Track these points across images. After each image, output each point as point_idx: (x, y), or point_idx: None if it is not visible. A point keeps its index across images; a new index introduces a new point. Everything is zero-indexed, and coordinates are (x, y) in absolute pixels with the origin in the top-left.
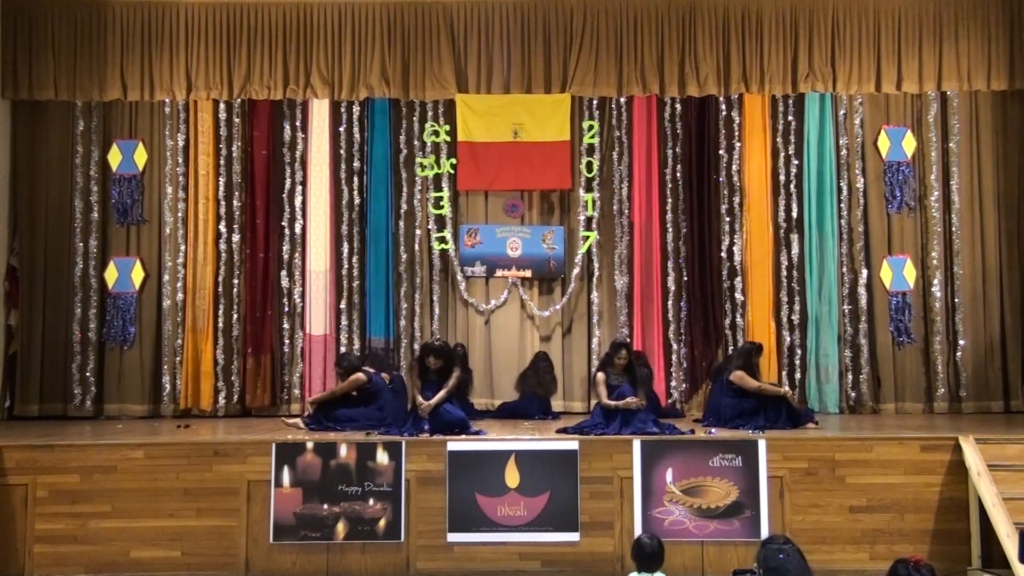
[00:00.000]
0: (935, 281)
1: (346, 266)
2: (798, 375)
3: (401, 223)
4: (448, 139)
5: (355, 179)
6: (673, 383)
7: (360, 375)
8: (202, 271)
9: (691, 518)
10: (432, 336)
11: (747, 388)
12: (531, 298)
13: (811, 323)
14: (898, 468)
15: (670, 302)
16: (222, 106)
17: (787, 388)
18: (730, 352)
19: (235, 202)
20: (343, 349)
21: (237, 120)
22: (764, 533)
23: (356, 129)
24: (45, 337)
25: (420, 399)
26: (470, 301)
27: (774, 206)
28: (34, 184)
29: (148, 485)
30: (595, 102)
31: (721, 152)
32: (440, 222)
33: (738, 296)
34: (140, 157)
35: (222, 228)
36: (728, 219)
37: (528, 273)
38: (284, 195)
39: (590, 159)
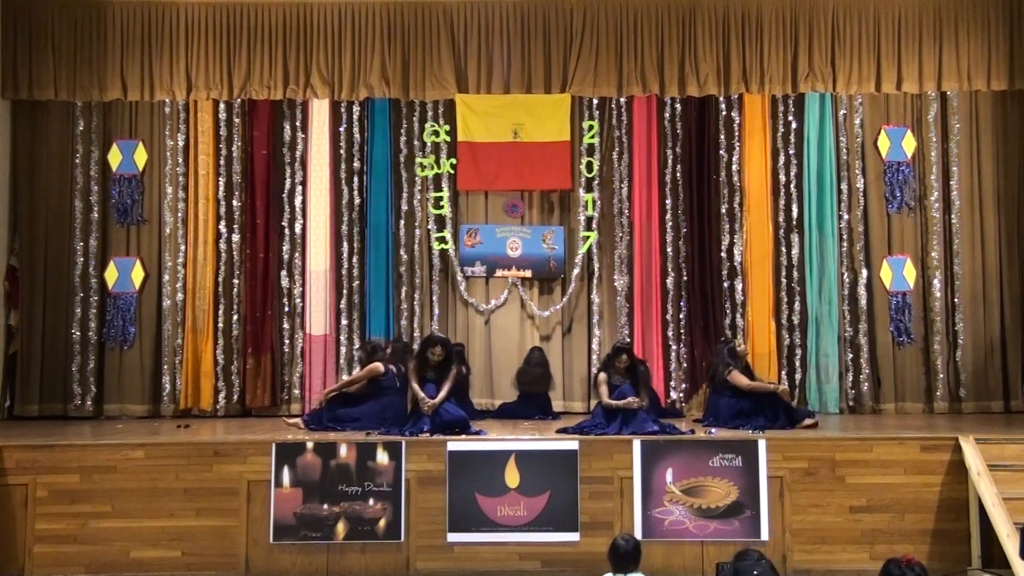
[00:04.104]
0: (935, 281)
1: (346, 266)
2: (798, 375)
3: (401, 223)
4: (448, 139)
5: (355, 179)
6: (673, 383)
7: (378, 365)
8: (202, 271)
9: (691, 518)
10: None
11: (741, 387)
12: (531, 298)
13: (811, 323)
14: (898, 468)
15: (670, 302)
16: (222, 106)
17: (783, 385)
18: (715, 354)
19: (235, 202)
20: (343, 349)
21: (237, 120)
22: (764, 533)
23: (356, 129)
24: (45, 337)
25: (422, 395)
26: (470, 301)
27: (774, 206)
28: (34, 184)
29: (148, 485)
30: (595, 102)
31: (721, 152)
32: (440, 222)
33: (738, 296)
34: (140, 157)
35: (222, 228)
36: (728, 219)
37: (528, 273)
38: (284, 195)
39: (590, 159)
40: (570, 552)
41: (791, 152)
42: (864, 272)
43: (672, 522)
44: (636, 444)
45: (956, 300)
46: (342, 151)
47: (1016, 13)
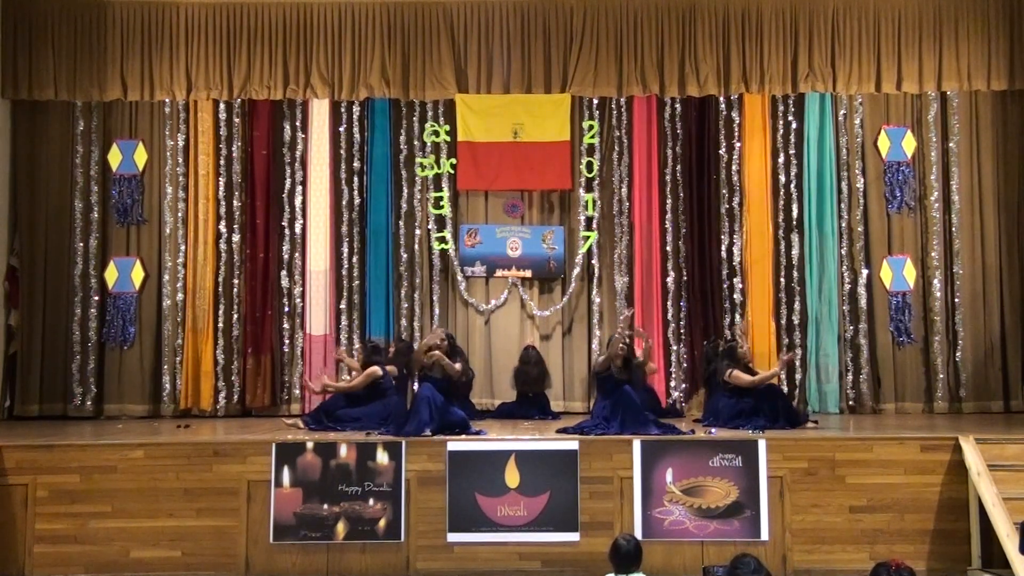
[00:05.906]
0: (935, 281)
1: (346, 266)
2: (798, 375)
3: (401, 223)
4: (448, 139)
5: (355, 179)
6: (673, 383)
7: (376, 369)
8: (202, 271)
9: (691, 518)
10: None
11: (745, 385)
12: (531, 298)
13: (811, 323)
14: (898, 468)
15: (670, 302)
16: (222, 106)
17: (786, 355)
18: (710, 353)
19: (235, 202)
20: (343, 349)
21: (237, 120)
22: (764, 533)
23: (356, 129)
24: (45, 337)
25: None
26: (470, 301)
27: (774, 206)
28: (34, 184)
29: (148, 485)
30: (595, 102)
31: (721, 152)
32: (440, 222)
33: (738, 296)
34: (140, 157)
35: (222, 228)
36: (728, 219)
37: (528, 273)
38: (284, 195)
39: (590, 159)
40: (570, 552)
41: (791, 152)
42: (864, 272)
43: (672, 522)
44: (636, 444)
45: (956, 300)
46: (342, 151)
47: (1016, 13)
